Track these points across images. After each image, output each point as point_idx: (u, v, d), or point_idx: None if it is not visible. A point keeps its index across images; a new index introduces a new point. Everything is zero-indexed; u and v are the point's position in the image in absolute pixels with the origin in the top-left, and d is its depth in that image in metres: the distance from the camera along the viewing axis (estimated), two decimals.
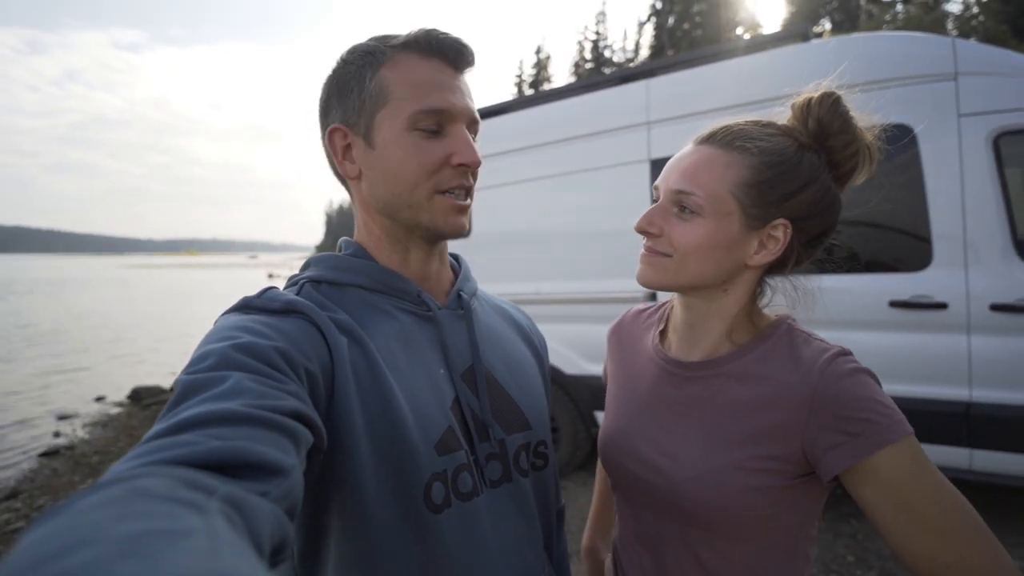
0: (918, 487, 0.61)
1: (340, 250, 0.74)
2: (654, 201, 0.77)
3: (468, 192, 0.69)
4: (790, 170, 0.70)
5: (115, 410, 6.49)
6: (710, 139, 0.73)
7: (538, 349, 0.88)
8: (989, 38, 17.61)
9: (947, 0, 25.73)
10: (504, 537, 0.68)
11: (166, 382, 7.54)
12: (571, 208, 3.48)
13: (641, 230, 0.74)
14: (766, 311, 0.79)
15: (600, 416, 3.17)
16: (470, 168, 0.67)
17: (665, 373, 0.80)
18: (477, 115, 0.69)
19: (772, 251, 0.72)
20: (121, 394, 7.11)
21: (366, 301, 0.68)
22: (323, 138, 0.70)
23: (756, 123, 0.74)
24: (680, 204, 0.71)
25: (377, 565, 0.59)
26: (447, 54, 0.66)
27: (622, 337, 0.94)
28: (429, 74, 0.65)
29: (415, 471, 0.60)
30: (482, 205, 3.83)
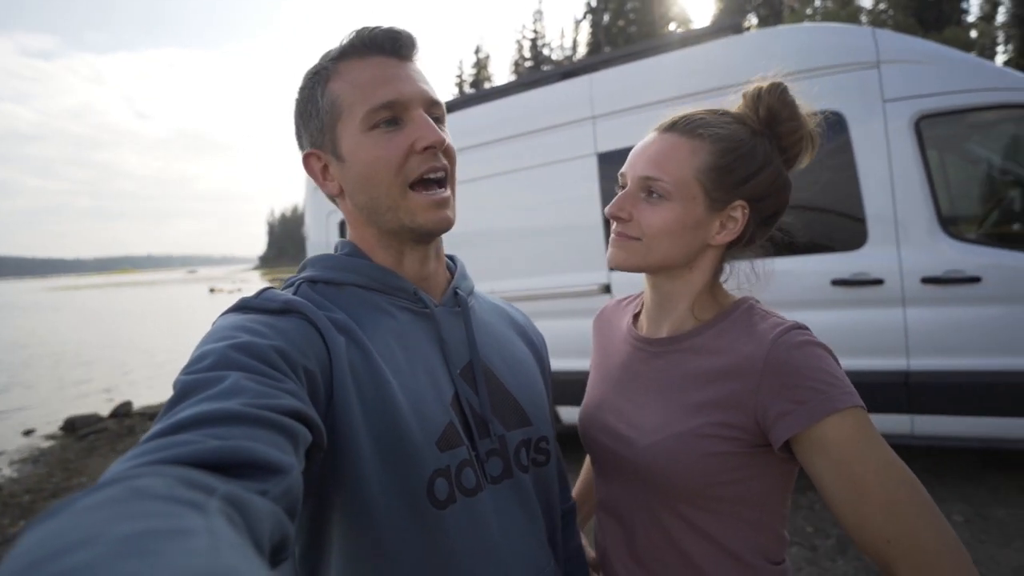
0: (863, 459, 0.62)
1: (336, 250, 0.74)
2: (620, 187, 0.80)
3: (445, 179, 0.69)
4: (747, 154, 0.75)
5: (46, 443, 6.01)
6: (673, 127, 0.76)
7: (537, 347, 0.89)
8: (899, 29, 18.89)
9: None
10: (508, 533, 0.68)
11: (103, 408, 7.07)
12: (521, 205, 3.49)
13: (612, 215, 0.77)
14: (732, 292, 0.83)
15: (566, 411, 3.18)
16: (435, 148, 0.66)
17: (635, 351, 0.85)
18: (436, 96, 0.68)
19: (732, 231, 0.77)
20: (53, 426, 6.60)
21: (363, 300, 0.68)
22: (304, 167, 0.74)
23: (713, 112, 0.78)
24: (648, 189, 0.75)
25: (383, 561, 0.59)
26: (383, 47, 0.67)
27: (602, 325, 0.99)
28: (371, 72, 0.66)
29: (417, 467, 0.61)
30: None
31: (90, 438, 6.01)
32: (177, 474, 0.33)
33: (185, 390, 0.45)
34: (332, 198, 0.74)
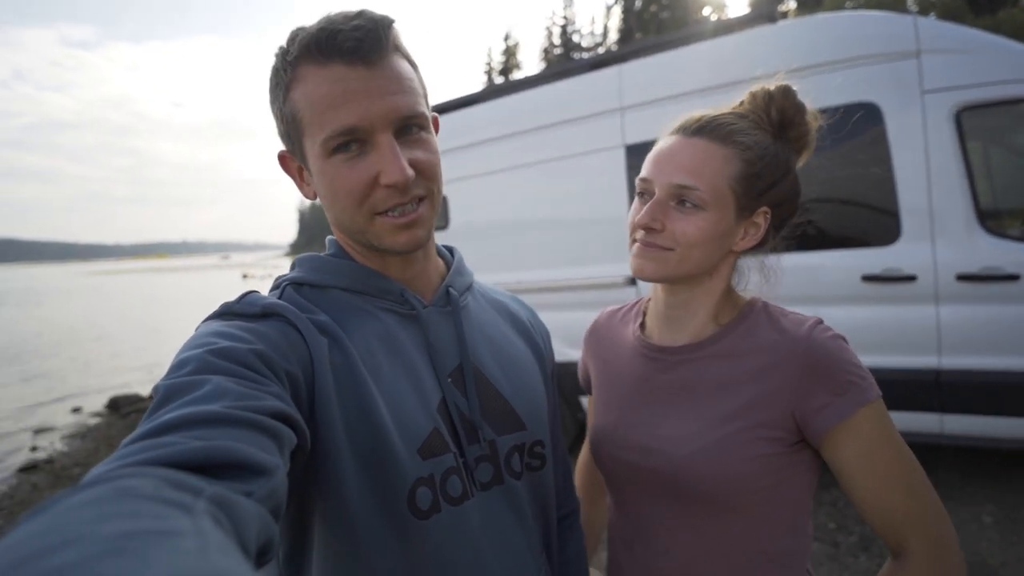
0: (887, 445, 0.68)
1: (326, 249, 0.73)
2: (640, 194, 0.78)
3: (418, 202, 0.64)
4: (772, 161, 0.75)
5: (93, 420, 6.34)
6: (700, 132, 0.74)
7: (539, 344, 0.85)
8: (947, 13, 18.02)
9: None
10: (496, 541, 0.66)
11: (144, 389, 7.39)
12: (548, 196, 3.49)
13: (645, 226, 0.74)
14: (740, 292, 0.83)
15: (585, 401, 3.20)
16: (398, 187, 0.60)
17: (651, 361, 0.82)
18: (412, 107, 0.61)
19: (754, 236, 0.77)
20: (98, 404, 6.95)
21: (348, 303, 0.66)
22: (280, 165, 0.71)
23: (735, 115, 0.77)
24: (680, 198, 0.73)
25: (361, 569, 0.59)
26: (343, 54, 0.57)
27: (600, 337, 0.95)
28: (329, 87, 0.58)
29: (397, 476, 0.59)
30: (458, 196, 3.82)
31: (132, 416, 6.31)
32: (163, 475, 0.33)
33: (166, 395, 0.45)
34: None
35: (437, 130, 0.73)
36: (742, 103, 0.79)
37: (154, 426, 0.40)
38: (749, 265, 0.83)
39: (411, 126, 0.62)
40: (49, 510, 0.27)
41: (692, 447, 0.73)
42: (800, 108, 0.76)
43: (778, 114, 0.76)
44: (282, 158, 0.69)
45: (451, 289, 0.73)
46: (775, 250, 0.83)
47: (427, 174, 0.64)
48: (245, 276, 48.38)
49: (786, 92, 0.76)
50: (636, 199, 0.79)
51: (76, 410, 6.83)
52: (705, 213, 0.72)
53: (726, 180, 0.72)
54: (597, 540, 1.03)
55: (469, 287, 0.78)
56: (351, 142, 0.59)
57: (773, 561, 0.74)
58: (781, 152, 0.76)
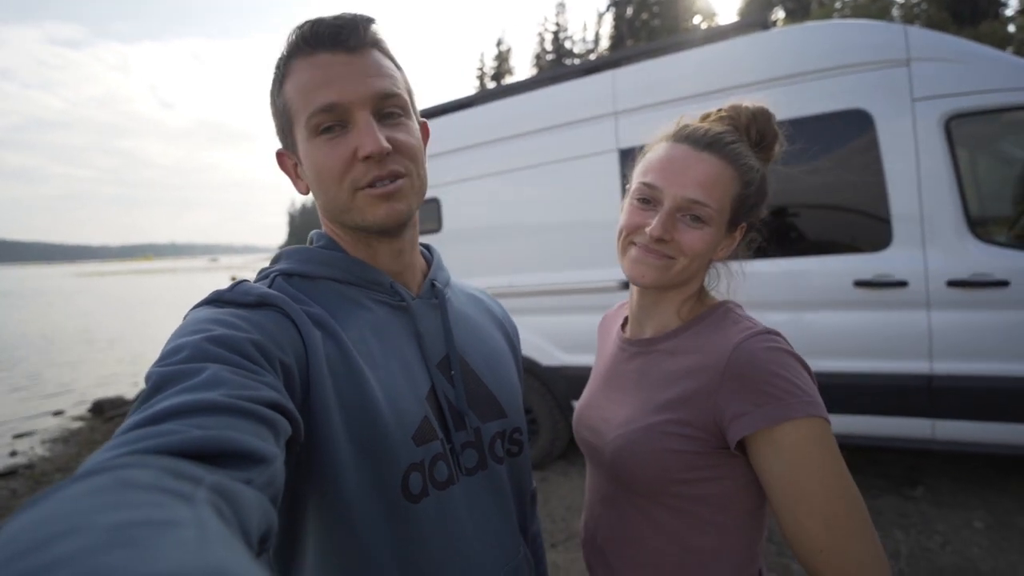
0: (810, 469, 0.64)
1: (311, 242, 0.74)
2: (642, 199, 0.78)
3: (396, 176, 0.65)
4: (762, 184, 0.80)
5: (76, 424, 6.22)
6: (712, 147, 0.76)
7: (512, 337, 0.89)
8: (932, 24, 18.35)
9: None
10: (480, 523, 0.69)
11: (129, 392, 7.27)
12: (542, 200, 3.49)
13: (659, 238, 0.75)
14: (714, 294, 0.87)
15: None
16: (373, 157, 0.62)
17: (620, 351, 0.89)
18: (390, 88, 0.64)
19: (730, 248, 0.82)
20: (81, 407, 6.82)
21: (339, 293, 0.67)
22: (278, 164, 0.73)
23: (732, 131, 0.79)
24: (691, 212, 0.75)
25: (356, 554, 0.60)
26: (325, 42, 0.62)
27: (603, 331, 1.03)
28: (312, 72, 0.62)
29: (393, 462, 0.61)
30: (451, 199, 3.80)
31: (117, 420, 6.20)
32: (163, 464, 0.33)
33: (161, 382, 0.44)
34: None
35: (427, 137, 0.75)
36: (722, 113, 0.81)
37: (152, 413, 0.40)
38: (715, 270, 0.87)
39: (391, 111, 0.65)
40: (48, 500, 0.27)
41: (619, 431, 0.78)
42: (776, 135, 0.81)
43: (758, 135, 0.80)
44: (279, 156, 0.72)
45: (435, 282, 0.76)
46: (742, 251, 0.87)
47: (406, 154, 0.65)
48: (234, 279, 47.98)
49: (768, 116, 0.80)
50: (631, 202, 0.80)
51: (58, 413, 6.70)
52: (709, 228, 0.75)
53: (730, 199, 0.76)
54: None
55: (448, 282, 0.81)
56: (334, 125, 0.62)
57: (691, 555, 0.75)
58: (764, 175, 0.80)
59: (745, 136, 0.79)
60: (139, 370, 9.16)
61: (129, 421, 0.40)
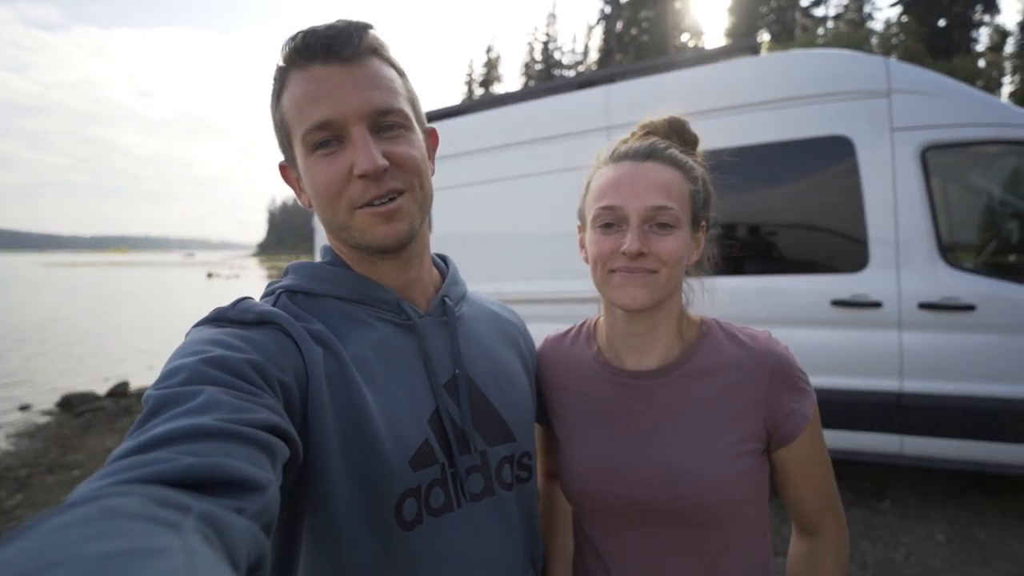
0: (821, 441, 0.78)
1: (320, 256, 0.73)
2: (606, 225, 0.76)
3: (395, 195, 0.63)
4: (704, 179, 0.82)
5: (43, 419, 6.04)
6: (653, 156, 0.76)
7: (526, 355, 0.86)
8: (908, 55, 19.00)
9: (871, 19, 27.66)
10: (483, 550, 0.66)
11: (99, 387, 7.09)
12: (532, 209, 3.54)
13: (636, 252, 0.72)
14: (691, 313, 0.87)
15: None
16: (369, 175, 0.60)
17: (624, 387, 0.81)
18: (385, 102, 0.62)
19: (699, 250, 0.82)
20: (49, 401, 6.62)
21: (343, 312, 0.66)
22: (282, 177, 0.72)
23: (660, 140, 0.80)
24: (656, 220, 0.73)
25: None
26: (317, 54, 0.60)
27: (553, 365, 0.91)
28: (306, 86, 0.61)
29: (387, 487, 0.59)
30: (440, 206, 3.82)
31: (86, 416, 6.04)
32: (151, 493, 0.32)
33: (158, 405, 0.44)
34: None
35: (436, 143, 0.74)
36: (640, 132, 0.82)
37: (144, 440, 0.39)
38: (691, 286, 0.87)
39: (389, 123, 0.63)
40: (33, 531, 0.27)
41: (688, 473, 0.74)
42: (695, 136, 0.84)
43: (680, 139, 0.82)
44: (282, 168, 0.71)
45: (446, 299, 0.74)
46: (711, 267, 0.88)
47: (406, 168, 0.63)
48: (210, 275, 46.89)
49: (682, 122, 0.83)
50: (594, 232, 0.77)
51: (24, 407, 6.49)
52: (678, 231, 0.74)
53: (687, 198, 0.77)
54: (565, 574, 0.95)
55: (463, 296, 0.79)
56: (331, 139, 0.61)
57: (764, 569, 0.79)
58: (703, 172, 0.82)
59: (678, 143, 0.81)
60: (109, 365, 8.94)
61: (123, 447, 0.40)
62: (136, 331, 13.20)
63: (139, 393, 6.85)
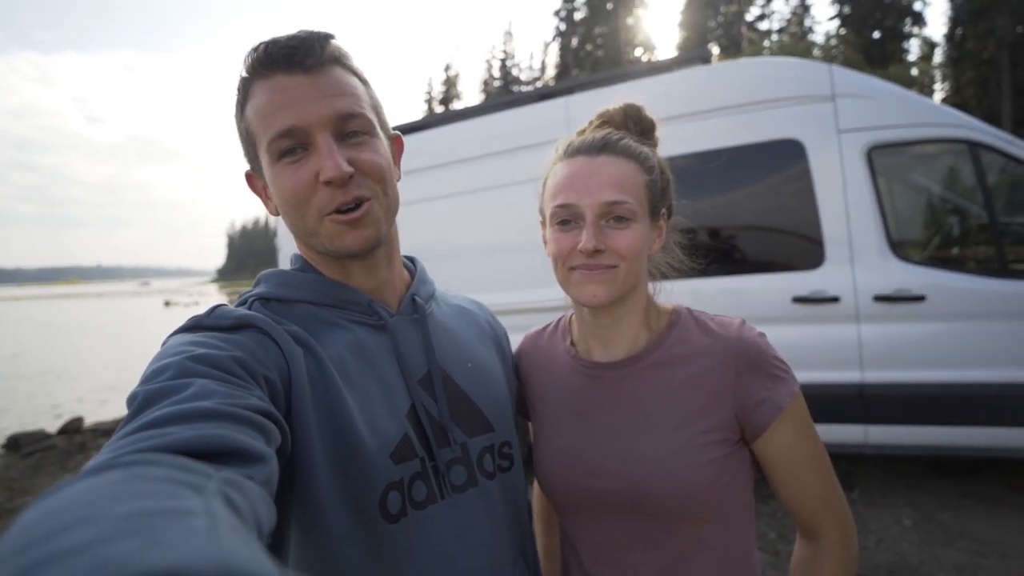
0: (809, 433, 0.74)
1: (291, 264, 0.73)
2: (563, 222, 0.76)
3: (360, 202, 0.63)
4: (660, 166, 0.81)
5: None
6: (606, 150, 0.76)
7: (501, 344, 0.87)
8: (848, 64, 20.02)
9: (812, 32, 29.15)
10: (469, 541, 0.67)
11: (50, 425, 6.71)
12: (502, 221, 3.55)
13: (593, 249, 0.72)
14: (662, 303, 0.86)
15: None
16: (335, 182, 0.61)
17: (592, 379, 0.82)
18: (349, 108, 0.63)
19: (661, 239, 0.82)
20: None
21: (316, 316, 0.67)
22: (248, 185, 0.73)
23: (614, 131, 0.80)
24: (612, 214, 0.73)
25: (332, 573, 0.60)
26: (280, 64, 0.61)
27: (531, 361, 0.92)
28: (269, 95, 0.61)
29: (369, 481, 0.60)
30: (404, 221, 3.80)
31: (36, 456, 5.70)
32: (172, 460, 0.33)
33: (149, 399, 0.43)
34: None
35: (401, 149, 0.75)
36: (597, 122, 0.83)
37: (143, 422, 0.39)
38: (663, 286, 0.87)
39: (354, 130, 0.63)
40: (62, 490, 0.27)
41: (650, 464, 0.73)
42: (652, 122, 0.82)
43: (637, 126, 0.81)
44: (248, 177, 0.71)
45: (416, 298, 0.75)
46: (684, 268, 0.87)
47: (372, 175, 0.64)
48: (168, 303, 45.16)
49: (638, 108, 0.82)
50: (552, 229, 0.78)
51: None
52: (636, 224, 0.74)
53: (643, 189, 0.76)
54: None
55: (432, 295, 0.81)
56: (296, 147, 0.61)
57: (741, 566, 0.76)
58: (659, 159, 0.81)
59: (626, 130, 0.80)
60: (59, 402, 8.48)
61: (124, 428, 0.39)
62: (89, 366, 12.59)
63: (95, 429, 6.51)
